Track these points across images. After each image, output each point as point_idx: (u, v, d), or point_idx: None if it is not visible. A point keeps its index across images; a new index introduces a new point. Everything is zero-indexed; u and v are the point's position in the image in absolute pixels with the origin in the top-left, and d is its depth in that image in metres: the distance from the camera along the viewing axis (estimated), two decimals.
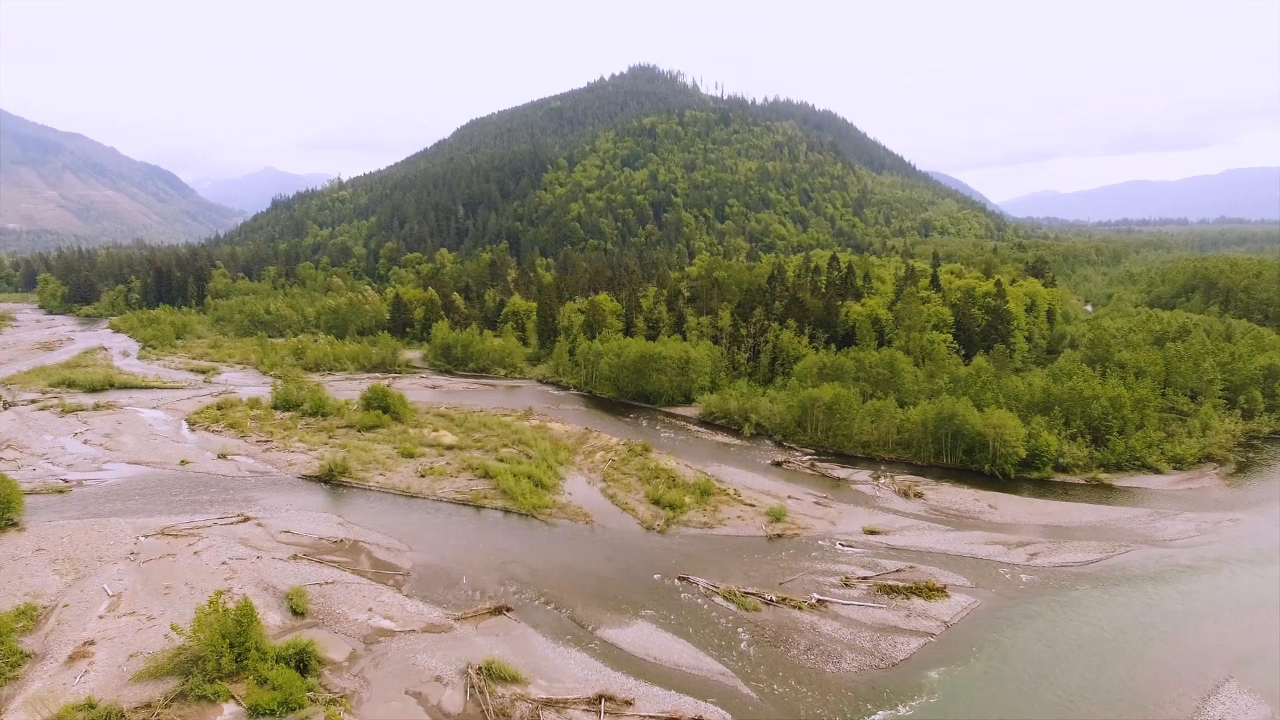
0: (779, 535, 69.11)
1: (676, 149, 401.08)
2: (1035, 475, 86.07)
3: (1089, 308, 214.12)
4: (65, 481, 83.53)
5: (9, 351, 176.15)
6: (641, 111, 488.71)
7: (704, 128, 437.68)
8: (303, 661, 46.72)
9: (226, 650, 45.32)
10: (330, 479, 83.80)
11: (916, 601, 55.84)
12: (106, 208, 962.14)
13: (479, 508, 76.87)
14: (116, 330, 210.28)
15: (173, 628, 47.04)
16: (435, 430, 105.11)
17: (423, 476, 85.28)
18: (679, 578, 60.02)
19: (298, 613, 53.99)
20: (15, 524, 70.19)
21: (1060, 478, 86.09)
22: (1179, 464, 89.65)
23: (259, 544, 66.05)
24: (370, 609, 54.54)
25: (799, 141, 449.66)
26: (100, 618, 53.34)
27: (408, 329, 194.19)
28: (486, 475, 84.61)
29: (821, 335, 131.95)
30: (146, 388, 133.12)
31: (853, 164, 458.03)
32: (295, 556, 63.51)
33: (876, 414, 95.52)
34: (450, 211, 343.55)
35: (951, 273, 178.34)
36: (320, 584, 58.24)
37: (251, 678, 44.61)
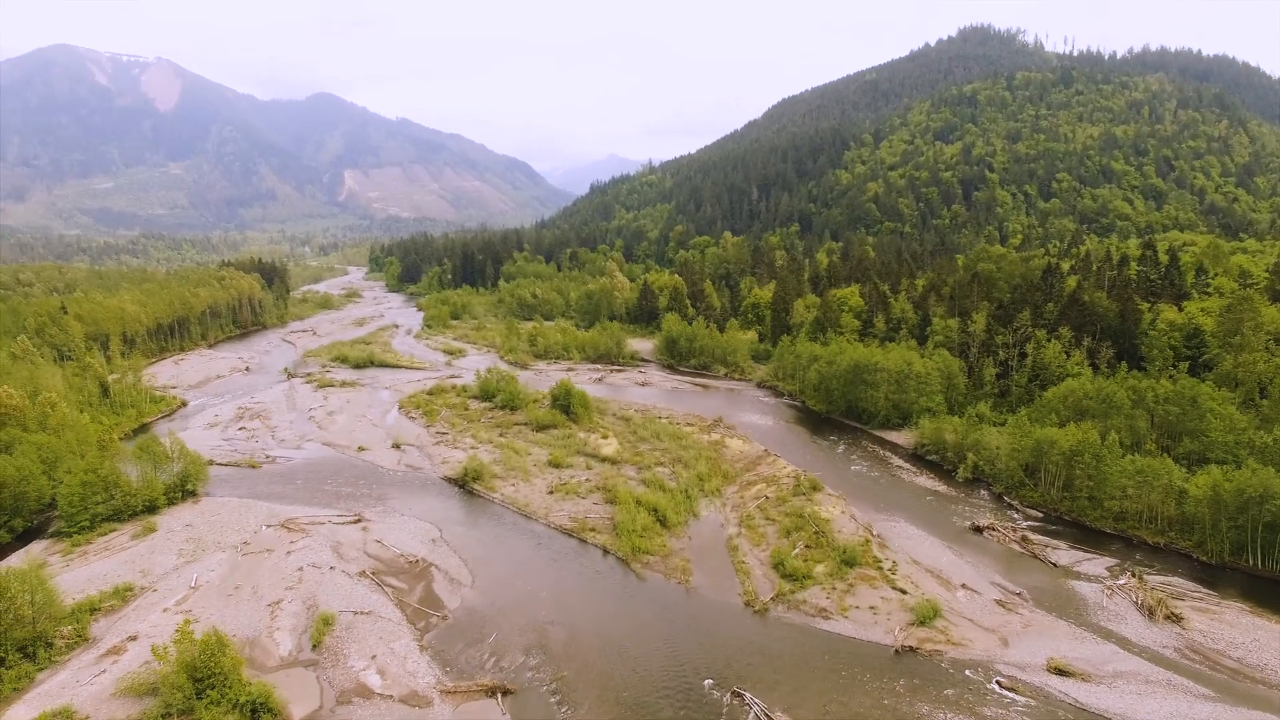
0: (911, 649, 49.90)
1: (1000, 117, 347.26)
2: None
3: None
4: (268, 456, 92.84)
5: (333, 325, 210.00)
6: (966, 78, 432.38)
7: (1037, 91, 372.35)
8: (256, 712, 42.86)
9: (186, 683, 43.08)
10: (464, 483, 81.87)
11: None
12: (474, 196, 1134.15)
13: (582, 541, 68.51)
14: (420, 309, 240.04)
15: (152, 651, 45.96)
16: (604, 436, 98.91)
17: (550, 493, 79.29)
18: (733, 692, 45.44)
19: (313, 644, 50.83)
20: (194, 494, 78.57)
21: None
22: None
23: (345, 552, 65.12)
24: (374, 657, 49.30)
25: (1166, 98, 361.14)
26: (165, 610, 55.45)
27: (653, 317, 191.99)
28: (614, 500, 75.90)
29: (1108, 350, 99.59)
30: (397, 367, 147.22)
31: (1245, 120, 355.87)
32: (363, 573, 61.19)
33: (1140, 475, 67.06)
34: (744, 193, 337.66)
35: None
36: (356, 613, 54.76)
37: None
